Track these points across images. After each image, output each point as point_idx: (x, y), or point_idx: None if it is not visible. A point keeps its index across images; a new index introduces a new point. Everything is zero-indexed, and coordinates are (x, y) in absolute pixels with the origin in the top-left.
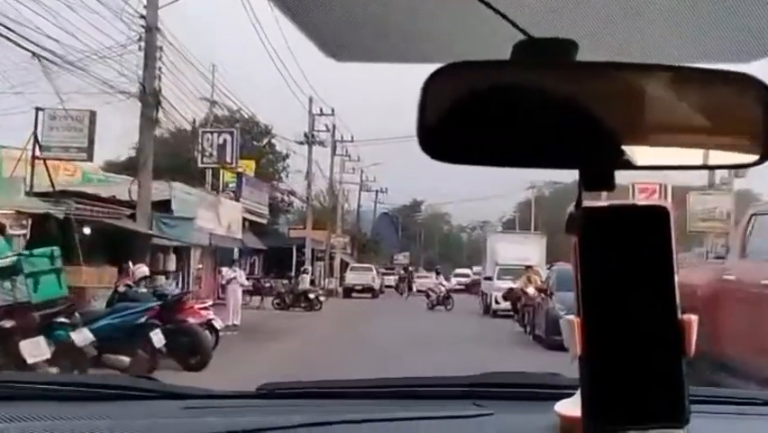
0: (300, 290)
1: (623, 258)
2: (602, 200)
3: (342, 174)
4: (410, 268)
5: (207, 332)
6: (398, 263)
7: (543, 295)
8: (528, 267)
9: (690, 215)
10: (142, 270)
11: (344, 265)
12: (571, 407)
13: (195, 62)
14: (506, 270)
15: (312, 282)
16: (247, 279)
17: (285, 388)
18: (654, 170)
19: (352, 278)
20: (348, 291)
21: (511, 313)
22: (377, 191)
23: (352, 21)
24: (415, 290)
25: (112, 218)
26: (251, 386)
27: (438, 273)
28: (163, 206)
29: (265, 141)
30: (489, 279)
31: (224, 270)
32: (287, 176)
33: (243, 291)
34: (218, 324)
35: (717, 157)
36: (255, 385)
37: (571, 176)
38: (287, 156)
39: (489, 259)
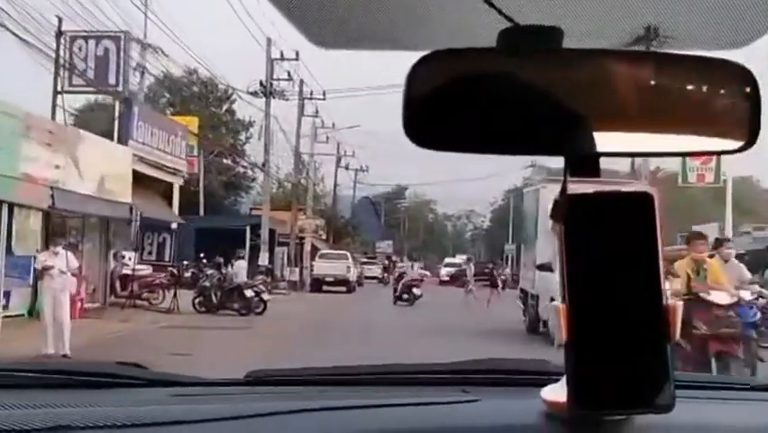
0: (233, 283)
1: (608, 244)
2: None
3: (314, 143)
4: (394, 258)
5: None
6: (381, 252)
7: None
8: (698, 237)
9: None
10: None
11: (316, 252)
12: (557, 392)
13: None
14: None
15: (268, 273)
16: (154, 265)
17: (274, 375)
18: (640, 156)
19: (321, 267)
20: (317, 284)
21: None
22: (356, 170)
23: (336, 8)
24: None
25: None
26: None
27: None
28: None
29: (225, 107)
30: (546, 268)
31: (56, 252)
32: (248, 141)
33: (156, 285)
34: None
35: (703, 143)
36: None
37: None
38: (251, 124)
39: (541, 231)
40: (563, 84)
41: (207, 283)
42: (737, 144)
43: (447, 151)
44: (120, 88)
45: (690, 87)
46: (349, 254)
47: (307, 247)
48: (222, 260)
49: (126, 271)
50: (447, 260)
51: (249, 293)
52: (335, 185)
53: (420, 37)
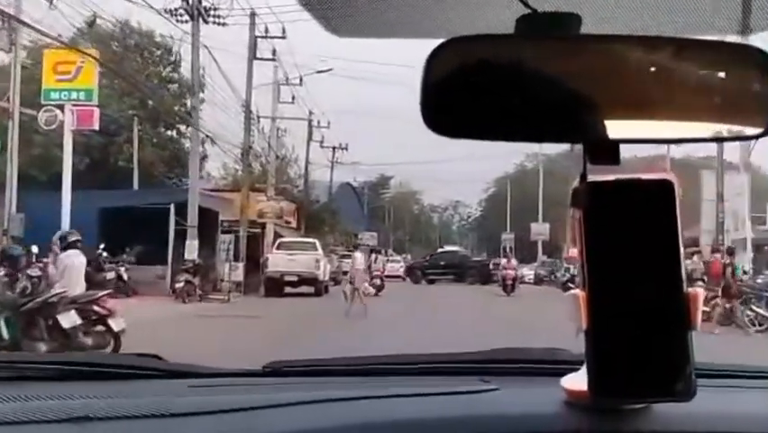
0: (47, 297)
1: (628, 232)
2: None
3: (276, 102)
4: (381, 250)
5: None
6: (363, 244)
7: None
8: None
9: None
10: None
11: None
12: (577, 381)
13: None
14: None
15: (197, 271)
16: None
17: (291, 366)
18: (659, 143)
19: (279, 261)
20: (274, 285)
21: None
22: (333, 147)
23: None
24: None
25: None
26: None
27: None
28: None
29: (167, 69)
30: None
31: None
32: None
33: None
34: None
35: (722, 129)
36: (261, 364)
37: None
38: (202, 89)
39: None
40: (581, 70)
41: None
42: (757, 130)
43: (465, 138)
44: None
45: (708, 73)
46: (318, 243)
47: (269, 237)
48: (35, 249)
49: None
50: (440, 251)
51: (69, 320)
52: (307, 161)
53: (437, 24)
